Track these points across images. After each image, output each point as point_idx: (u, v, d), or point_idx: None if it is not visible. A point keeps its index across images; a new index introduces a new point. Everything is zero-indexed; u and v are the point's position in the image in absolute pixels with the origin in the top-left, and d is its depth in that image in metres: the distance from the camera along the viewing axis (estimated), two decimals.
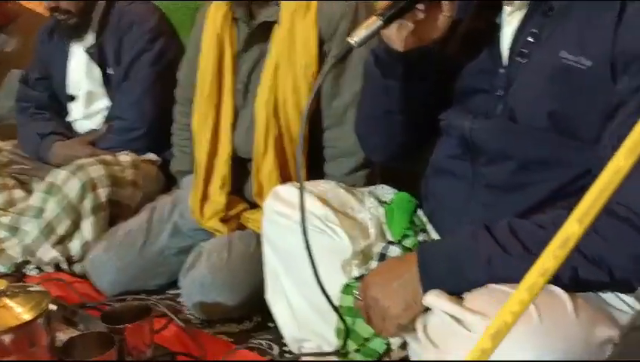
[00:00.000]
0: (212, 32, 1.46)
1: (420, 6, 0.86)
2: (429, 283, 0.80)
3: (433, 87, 0.99)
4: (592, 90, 0.80)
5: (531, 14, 0.87)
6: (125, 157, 1.73)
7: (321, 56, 1.34)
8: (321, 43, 1.34)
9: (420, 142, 1.07)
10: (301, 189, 0.85)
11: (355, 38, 0.81)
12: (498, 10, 0.92)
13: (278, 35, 1.36)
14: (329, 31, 1.34)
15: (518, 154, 0.87)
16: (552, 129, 0.83)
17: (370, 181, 1.36)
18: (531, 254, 0.75)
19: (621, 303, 0.77)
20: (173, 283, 1.51)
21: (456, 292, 0.78)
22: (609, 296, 0.78)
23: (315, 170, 1.39)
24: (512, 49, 0.89)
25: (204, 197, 1.47)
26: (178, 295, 1.48)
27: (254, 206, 1.48)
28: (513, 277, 0.75)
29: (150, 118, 1.78)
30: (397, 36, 0.89)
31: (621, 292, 0.77)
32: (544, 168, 0.85)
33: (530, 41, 0.86)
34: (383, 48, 0.94)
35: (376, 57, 0.97)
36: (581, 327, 0.68)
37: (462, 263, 0.79)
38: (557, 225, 0.74)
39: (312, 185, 1.10)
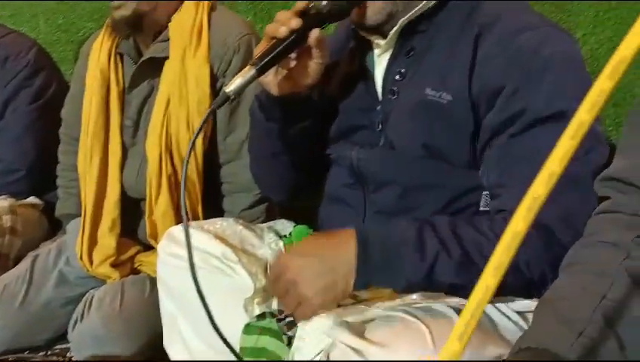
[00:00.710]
0: (96, 67, 1.42)
1: (292, 54, 0.92)
2: (364, 273, 0.78)
3: (317, 126, 1.05)
4: (457, 122, 0.89)
5: (396, 55, 0.96)
6: (2, 202, 1.62)
7: (215, 91, 1.35)
8: (215, 78, 1.35)
9: (313, 178, 1.13)
10: (186, 231, 0.83)
11: (231, 87, 0.86)
12: (371, 51, 1.00)
13: (169, 71, 1.35)
14: (222, 67, 1.34)
15: (401, 180, 0.95)
16: (429, 157, 0.92)
17: (269, 215, 1.37)
18: (470, 261, 0.79)
19: (506, 320, 0.83)
20: (62, 337, 1.42)
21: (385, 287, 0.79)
22: (495, 314, 0.83)
23: (213, 206, 1.38)
24: (383, 87, 0.98)
25: (93, 241, 1.41)
26: (68, 349, 1.39)
27: (148, 248, 1.43)
28: (447, 285, 0.79)
29: (31, 159, 1.68)
30: (272, 82, 0.95)
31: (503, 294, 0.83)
32: (426, 192, 0.93)
33: (398, 80, 0.95)
34: (264, 93, 1.00)
35: (259, 102, 1.03)
36: (473, 349, 0.72)
37: (402, 258, 0.79)
38: (495, 233, 0.78)
39: (209, 223, 1.09)
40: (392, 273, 0.78)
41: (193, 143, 0.88)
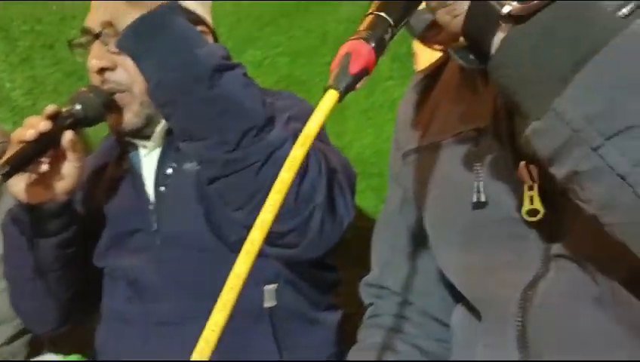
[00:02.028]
0: None
1: (44, 158, 0.88)
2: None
3: (83, 238, 1.00)
4: None
5: (165, 152, 0.97)
6: None
7: None
8: None
9: (86, 299, 1.05)
10: None
11: None
12: (137, 152, 1.01)
13: None
14: None
15: (183, 283, 0.92)
16: (210, 248, 0.91)
17: (35, 348, 1.22)
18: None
19: None
20: None
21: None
22: None
23: None
24: (155, 186, 0.97)
25: None
26: None
27: None
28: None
29: None
30: (22, 190, 0.90)
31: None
32: (210, 292, 0.90)
33: (170, 175, 0.96)
34: (17, 205, 0.93)
35: (12, 215, 0.96)
36: None
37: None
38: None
39: None
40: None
41: None
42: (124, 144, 1.02)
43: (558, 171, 0.44)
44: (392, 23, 0.45)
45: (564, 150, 0.42)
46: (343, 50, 0.45)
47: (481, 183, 0.60)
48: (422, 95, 0.73)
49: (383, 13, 0.45)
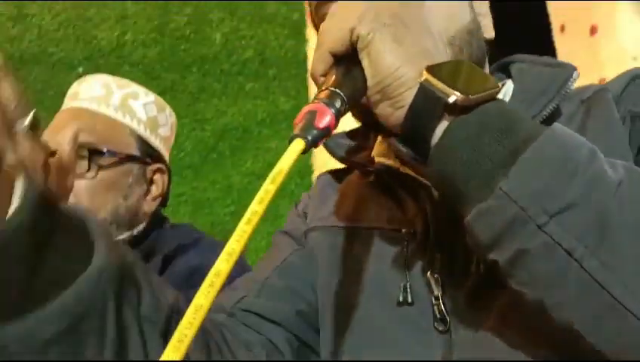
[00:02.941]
0: None
1: None
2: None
3: None
4: None
5: None
6: None
7: None
8: None
9: None
10: None
11: None
12: None
13: None
14: None
15: None
16: None
17: None
18: None
19: None
20: None
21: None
22: None
23: None
24: None
25: None
26: None
27: None
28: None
29: None
30: None
31: None
32: None
33: None
34: None
35: None
36: None
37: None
38: None
39: None
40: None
41: None
42: None
43: (502, 254, 0.44)
44: (345, 100, 0.47)
45: (511, 229, 0.43)
46: (305, 109, 0.46)
47: (407, 284, 0.60)
48: (328, 187, 0.75)
49: (338, 90, 0.47)
